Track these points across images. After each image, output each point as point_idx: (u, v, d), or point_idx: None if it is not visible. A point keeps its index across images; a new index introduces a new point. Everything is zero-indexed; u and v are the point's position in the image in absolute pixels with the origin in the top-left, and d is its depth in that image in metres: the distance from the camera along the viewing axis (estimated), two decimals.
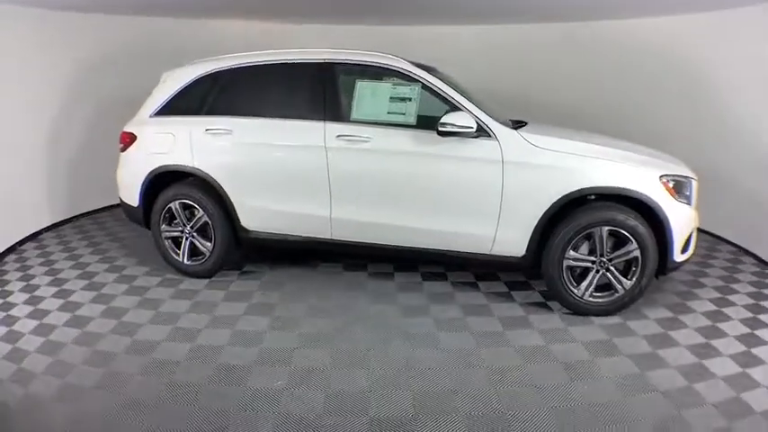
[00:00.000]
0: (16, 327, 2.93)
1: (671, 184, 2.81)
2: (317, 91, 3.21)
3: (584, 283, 2.95)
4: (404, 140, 3.05)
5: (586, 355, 2.61)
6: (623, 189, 2.78)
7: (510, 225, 2.95)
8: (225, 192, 3.33)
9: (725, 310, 3.10)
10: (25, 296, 3.31)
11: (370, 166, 3.09)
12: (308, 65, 3.26)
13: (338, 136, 3.10)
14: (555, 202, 2.85)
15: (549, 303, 3.16)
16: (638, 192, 2.77)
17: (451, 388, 2.35)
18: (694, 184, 2.94)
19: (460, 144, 2.96)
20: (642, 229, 2.79)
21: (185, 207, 3.49)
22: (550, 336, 2.80)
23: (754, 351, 2.64)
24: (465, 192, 2.99)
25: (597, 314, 2.98)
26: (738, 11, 3.87)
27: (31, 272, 3.72)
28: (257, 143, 3.26)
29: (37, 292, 3.37)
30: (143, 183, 3.52)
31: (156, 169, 3.47)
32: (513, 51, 5.39)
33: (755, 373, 2.45)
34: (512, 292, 3.33)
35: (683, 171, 2.94)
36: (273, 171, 3.25)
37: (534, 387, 2.35)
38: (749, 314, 3.04)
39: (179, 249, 3.57)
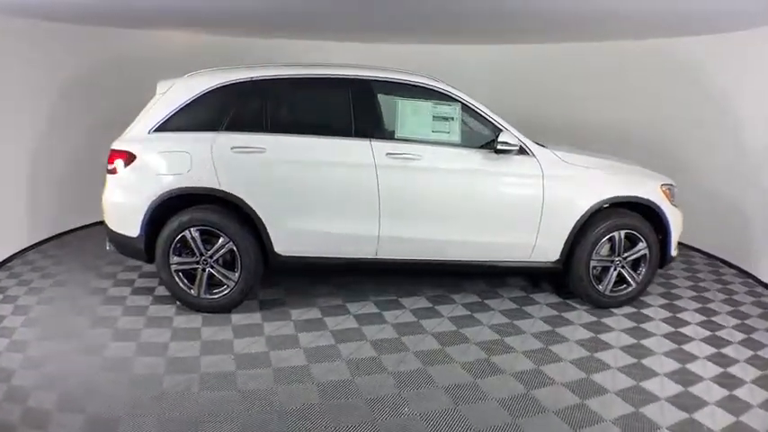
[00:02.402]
0: None
1: (668, 192, 3.40)
2: (358, 108, 3.15)
3: (605, 281, 3.38)
4: (452, 158, 3.16)
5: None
6: (640, 198, 3.28)
7: (548, 233, 3.25)
8: (257, 215, 3.04)
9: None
10: None
11: (421, 184, 3.13)
12: (346, 81, 3.18)
13: (388, 154, 3.08)
14: (587, 211, 3.23)
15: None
16: (649, 199, 3.29)
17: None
18: (676, 190, 3.59)
19: (505, 161, 3.18)
20: (649, 230, 3.33)
21: (202, 234, 3.09)
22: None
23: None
24: (510, 204, 3.21)
25: (615, 306, 3.43)
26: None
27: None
28: (296, 162, 3.06)
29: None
30: (148, 209, 3.03)
31: (168, 193, 3.02)
32: (509, 71, 5.61)
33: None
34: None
35: (668, 179, 3.58)
36: (315, 191, 3.08)
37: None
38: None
39: (192, 282, 3.14)
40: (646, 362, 2.73)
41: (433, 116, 3.20)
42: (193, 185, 3.02)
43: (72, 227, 4.89)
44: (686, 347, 2.90)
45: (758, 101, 3.88)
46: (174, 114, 3.10)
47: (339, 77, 3.18)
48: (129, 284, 3.67)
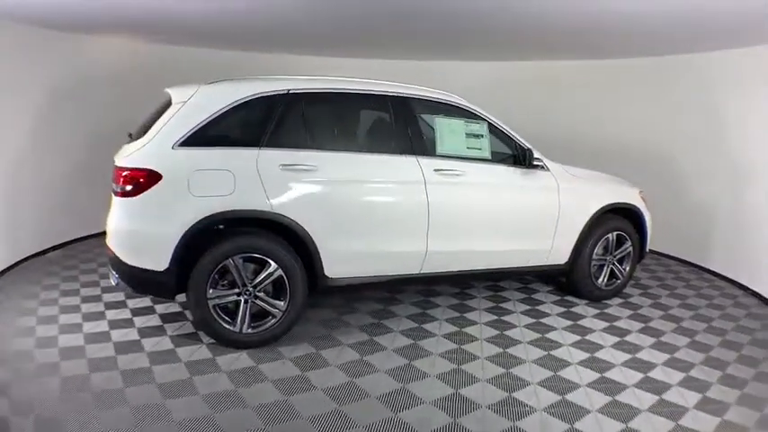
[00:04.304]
0: None
1: (644, 197, 4.04)
2: (400, 124, 3.16)
3: (601, 277, 3.89)
4: (489, 173, 3.35)
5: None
6: (629, 204, 3.84)
7: (562, 238, 3.62)
8: (310, 237, 2.86)
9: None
10: None
11: (464, 199, 3.25)
12: (386, 97, 3.15)
13: (436, 170, 3.14)
14: (591, 217, 3.68)
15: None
16: (635, 205, 3.87)
17: None
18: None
19: (531, 175, 3.47)
20: (632, 231, 3.92)
21: (246, 262, 2.81)
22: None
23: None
24: (535, 214, 3.51)
25: (608, 298, 3.95)
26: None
27: None
28: (349, 180, 2.95)
29: None
30: (182, 237, 2.66)
31: (208, 218, 2.68)
32: (496, 87, 5.71)
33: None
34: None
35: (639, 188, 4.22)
36: (369, 210, 3.01)
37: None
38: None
39: (230, 317, 2.84)
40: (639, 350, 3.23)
41: (466, 133, 3.34)
42: (240, 208, 2.73)
43: None
44: (678, 334, 3.49)
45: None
46: (202, 127, 2.75)
47: (379, 93, 3.15)
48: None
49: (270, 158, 2.80)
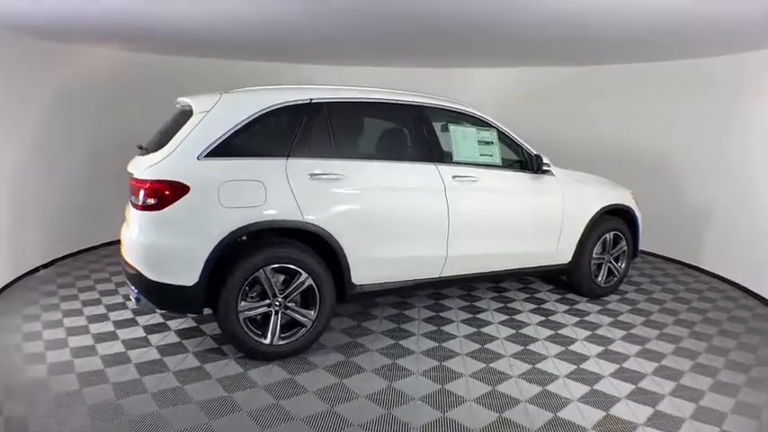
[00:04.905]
0: None
1: (636, 198, 4.31)
2: (419, 133, 3.25)
3: (600, 274, 4.11)
4: (502, 179, 3.49)
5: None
6: (624, 205, 4.08)
7: (565, 238, 3.81)
8: (339, 246, 2.89)
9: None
10: None
11: (480, 204, 3.37)
12: (405, 106, 3.24)
13: (454, 176, 3.25)
14: (591, 218, 3.89)
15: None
16: (629, 206, 4.13)
17: None
18: None
19: (539, 180, 3.64)
20: (627, 230, 4.17)
21: (276, 273, 2.81)
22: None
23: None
24: (544, 217, 3.68)
25: (606, 295, 4.17)
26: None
27: None
28: (374, 188, 3.01)
29: None
30: (214, 250, 2.62)
31: (240, 230, 2.66)
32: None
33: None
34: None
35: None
36: (394, 217, 3.07)
37: None
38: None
39: (259, 329, 2.81)
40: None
41: (478, 141, 3.48)
42: (273, 219, 2.72)
43: None
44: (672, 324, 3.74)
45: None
46: (228, 137, 2.73)
47: (398, 102, 3.23)
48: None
49: (298, 168, 2.81)
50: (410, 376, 2.76)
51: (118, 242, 4.81)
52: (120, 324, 3.36)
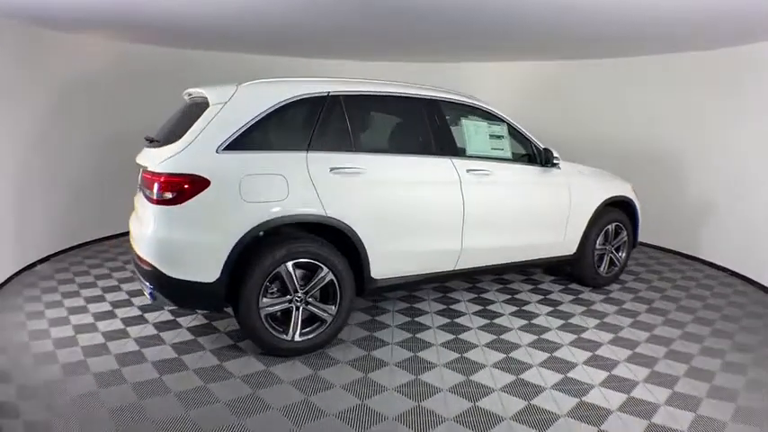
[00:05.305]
0: None
1: (635, 190, 4.43)
2: (434, 127, 3.25)
3: (603, 265, 4.22)
4: (514, 172, 3.53)
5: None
6: (626, 197, 4.19)
7: (571, 230, 3.89)
8: (360, 240, 2.88)
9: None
10: None
11: (493, 197, 3.40)
12: (421, 100, 3.23)
13: (468, 170, 3.27)
14: (595, 210, 3.98)
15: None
16: (630, 197, 4.23)
17: None
18: None
19: (547, 173, 3.70)
20: (628, 222, 4.28)
21: (297, 268, 2.78)
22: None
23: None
24: (552, 209, 3.74)
25: (607, 285, 4.28)
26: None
27: None
28: (393, 181, 3.00)
29: None
30: (236, 245, 2.58)
31: (263, 225, 2.62)
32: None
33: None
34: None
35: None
36: (413, 211, 3.07)
37: None
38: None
39: (280, 325, 2.78)
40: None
41: (489, 135, 3.50)
42: (295, 213, 2.68)
43: None
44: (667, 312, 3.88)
45: None
46: (247, 129, 2.67)
47: (414, 96, 3.22)
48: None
49: (319, 162, 2.77)
50: (434, 368, 2.78)
51: (118, 236, 4.66)
52: (128, 321, 3.28)
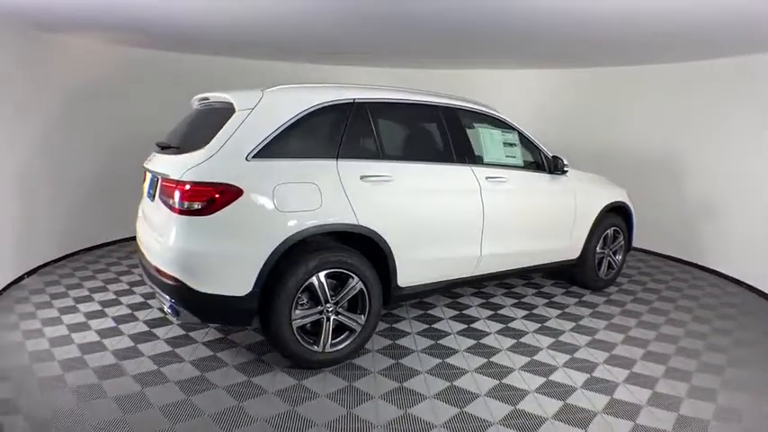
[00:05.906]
0: None
1: (629, 196, 4.63)
2: (453, 135, 3.29)
3: (602, 268, 4.39)
4: (524, 179, 3.62)
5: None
6: (623, 202, 4.38)
7: (576, 235, 4.03)
8: (390, 249, 2.87)
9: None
10: None
11: (510, 204, 3.47)
12: (440, 108, 3.27)
13: (487, 178, 3.33)
14: (597, 215, 4.14)
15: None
16: (627, 203, 4.43)
17: None
18: None
19: (556, 180, 3.82)
20: (625, 227, 4.48)
21: (328, 278, 2.74)
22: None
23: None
24: (561, 215, 3.86)
25: (606, 287, 4.45)
26: None
27: None
28: (420, 190, 3.01)
29: None
30: (270, 256, 2.51)
31: (298, 235, 2.57)
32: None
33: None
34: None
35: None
36: (438, 218, 3.09)
37: None
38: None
39: (310, 337, 2.73)
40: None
41: (503, 142, 3.59)
42: (329, 223, 2.64)
43: None
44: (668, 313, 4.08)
45: None
46: (276, 136, 2.61)
47: (435, 104, 3.25)
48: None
49: (349, 169, 2.74)
50: (465, 374, 2.79)
51: (115, 243, 4.39)
52: (136, 338, 3.11)
